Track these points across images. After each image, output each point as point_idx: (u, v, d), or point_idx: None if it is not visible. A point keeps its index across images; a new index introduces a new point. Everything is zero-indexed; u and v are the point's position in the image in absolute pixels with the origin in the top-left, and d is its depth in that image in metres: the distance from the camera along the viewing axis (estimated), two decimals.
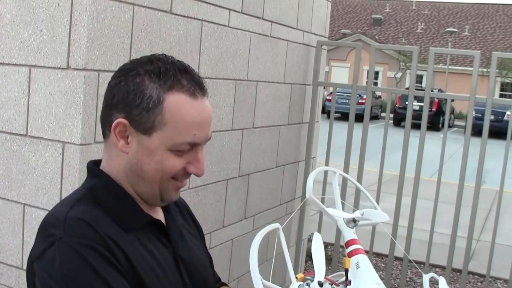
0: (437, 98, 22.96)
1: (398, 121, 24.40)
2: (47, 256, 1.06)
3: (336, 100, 4.43)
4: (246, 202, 3.62)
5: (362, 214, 1.36)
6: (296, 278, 1.17)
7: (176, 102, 1.14)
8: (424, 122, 4.05)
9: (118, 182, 1.21)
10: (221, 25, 3.04)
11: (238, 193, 3.50)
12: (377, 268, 5.83)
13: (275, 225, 1.26)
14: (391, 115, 24.72)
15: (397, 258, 5.49)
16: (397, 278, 5.50)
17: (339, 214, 1.37)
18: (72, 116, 2.19)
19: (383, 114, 27.68)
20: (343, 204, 1.51)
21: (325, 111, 19.83)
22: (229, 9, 3.09)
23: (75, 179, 2.21)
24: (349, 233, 1.33)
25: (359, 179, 4.26)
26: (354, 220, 1.34)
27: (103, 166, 1.24)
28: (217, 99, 3.11)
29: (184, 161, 1.18)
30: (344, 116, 21.01)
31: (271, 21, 3.57)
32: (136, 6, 2.38)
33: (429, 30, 42.48)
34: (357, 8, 47.88)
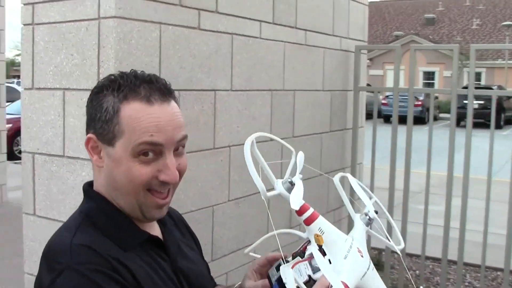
0: (497, 96, 22.24)
1: (457, 120, 23.75)
2: (58, 285, 1.08)
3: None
4: (290, 212, 3.60)
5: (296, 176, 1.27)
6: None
7: (131, 110, 1.17)
8: (469, 120, 3.96)
9: (110, 200, 1.24)
10: (253, 37, 3.06)
11: (281, 202, 3.49)
12: (434, 272, 5.66)
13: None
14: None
15: (452, 262, 5.31)
16: (454, 283, 5.33)
17: (278, 186, 1.27)
18: None
19: (441, 115, 27.05)
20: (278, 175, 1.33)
21: (381, 115, 19.55)
22: (260, 21, 3.11)
23: None
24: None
25: (406, 182, 4.19)
26: (291, 183, 1.25)
27: (95, 187, 1.27)
28: (252, 110, 3.12)
29: (154, 170, 1.18)
30: (401, 119, 20.49)
31: (305, 30, 3.56)
32: (163, 24, 2.44)
33: (485, 25, 41.29)
34: (408, 8, 47.07)
